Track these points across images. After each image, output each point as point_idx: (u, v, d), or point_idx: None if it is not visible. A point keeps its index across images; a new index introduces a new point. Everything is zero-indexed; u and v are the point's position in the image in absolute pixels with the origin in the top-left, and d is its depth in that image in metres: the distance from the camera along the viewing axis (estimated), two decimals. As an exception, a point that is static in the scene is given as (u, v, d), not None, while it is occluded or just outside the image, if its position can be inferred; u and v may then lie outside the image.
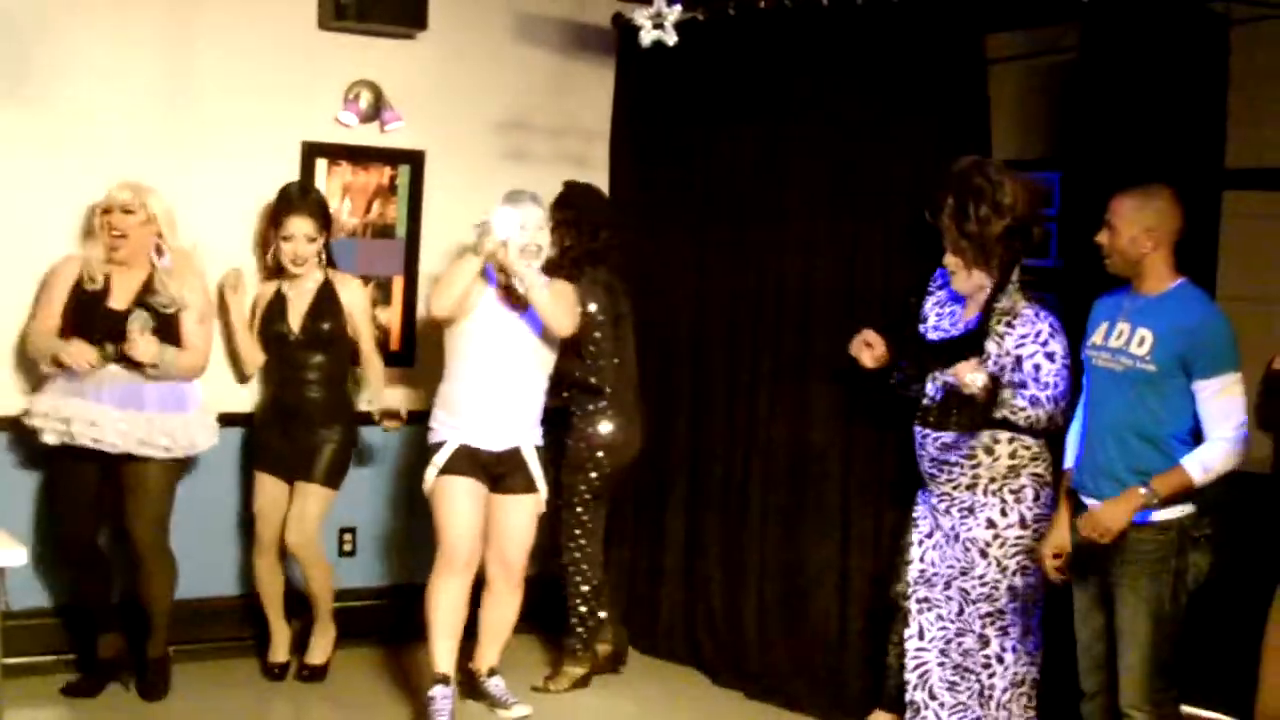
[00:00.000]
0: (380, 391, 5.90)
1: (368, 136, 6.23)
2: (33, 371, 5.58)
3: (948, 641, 5.07)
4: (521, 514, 5.48)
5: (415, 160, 6.34)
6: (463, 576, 5.39)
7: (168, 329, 5.44)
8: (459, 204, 6.14)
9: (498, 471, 5.42)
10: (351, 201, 6.22)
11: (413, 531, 6.26)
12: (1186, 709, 5.21)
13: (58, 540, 5.54)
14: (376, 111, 6.22)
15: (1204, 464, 4.37)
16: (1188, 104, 4.96)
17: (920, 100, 5.47)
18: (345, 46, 6.13)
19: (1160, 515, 4.42)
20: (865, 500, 5.65)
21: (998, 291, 4.94)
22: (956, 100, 5.42)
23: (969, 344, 4.92)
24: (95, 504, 5.49)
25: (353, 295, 5.86)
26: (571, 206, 5.94)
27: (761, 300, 5.97)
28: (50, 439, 5.36)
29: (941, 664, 5.07)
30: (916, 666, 5.11)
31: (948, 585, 5.06)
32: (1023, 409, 4.77)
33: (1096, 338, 4.59)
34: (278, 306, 5.82)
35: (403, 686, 5.88)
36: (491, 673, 5.64)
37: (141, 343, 5.33)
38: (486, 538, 5.47)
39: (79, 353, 5.27)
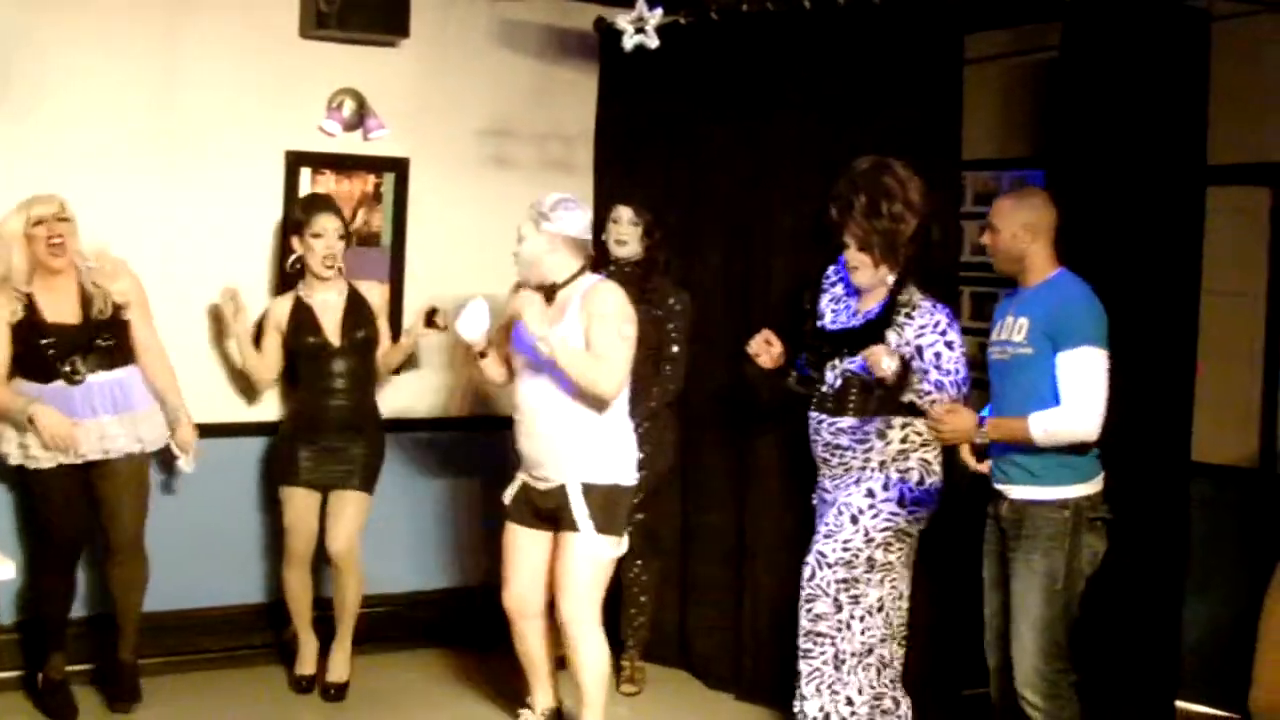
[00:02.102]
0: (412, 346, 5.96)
1: (351, 145, 6.23)
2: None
3: (799, 606, 5.14)
4: (565, 555, 5.01)
5: (399, 168, 6.33)
6: (528, 622, 5.22)
7: (117, 335, 5.40)
8: (444, 211, 6.13)
9: (549, 508, 5.07)
10: (336, 210, 6.20)
11: (415, 537, 6.33)
12: (1181, 704, 5.23)
13: (50, 549, 5.45)
14: (360, 119, 6.21)
15: (1046, 424, 4.48)
16: (1170, 100, 4.98)
17: (899, 100, 5.49)
18: (328, 55, 6.13)
19: (1058, 493, 4.55)
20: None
21: (900, 285, 5.07)
22: (932, 100, 5.43)
23: (870, 333, 5.03)
24: (86, 510, 5.46)
25: (376, 299, 5.89)
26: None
27: (750, 300, 5.98)
28: (48, 464, 5.31)
29: (799, 629, 5.15)
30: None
31: (809, 550, 5.15)
32: (929, 393, 4.88)
33: (994, 334, 4.77)
34: (305, 318, 5.79)
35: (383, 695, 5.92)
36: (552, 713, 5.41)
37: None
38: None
39: (59, 434, 5.23)
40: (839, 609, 5.07)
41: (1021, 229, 4.62)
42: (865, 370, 4.94)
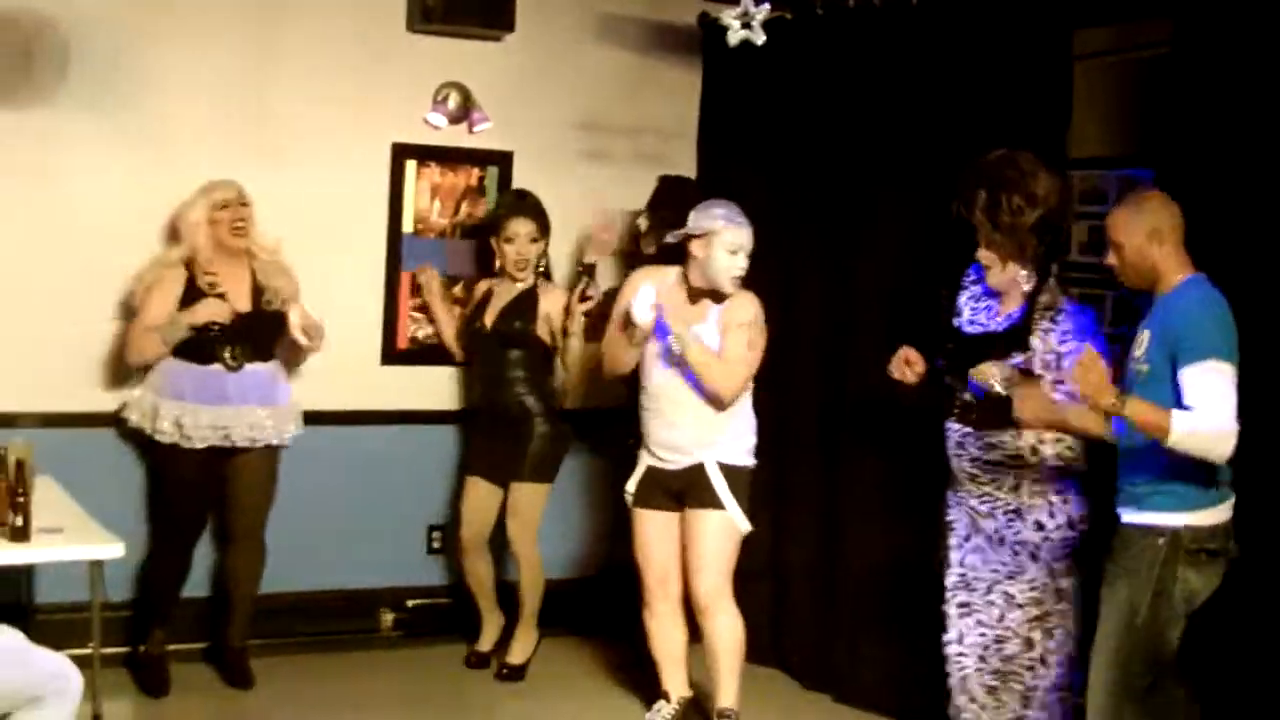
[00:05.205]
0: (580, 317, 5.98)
1: (456, 138, 6.28)
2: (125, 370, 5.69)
3: (986, 647, 4.99)
4: (699, 533, 5.26)
5: (503, 161, 6.37)
6: (664, 605, 5.42)
7: (276, 330, 5.55)
8: (546, 203, 6.15)
9: (678, 489, 5.31)
10: (440, 202, 6.27)
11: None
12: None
13: (173, 529, 5.58)
14: (465, 113, 6.26)
15: (1192, 425, 4.03)
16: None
17: (1007, 97, 5.41)
18: (433, 48, 6.19)
19: (1154, 519, 4.23)
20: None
21: (1040, 285, 4.87)
22: (1040, 97, 5.35)
23: (1012, 338, 4.85)
24: (207, 490, 5.57)
25: (552, 304, 5.93)
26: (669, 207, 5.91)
27: (853, 297, 5.92)
28: (200, 445, 5.42)
29: (980, 669, 5.00)
30: (957, 671, 5.05)
31: (989, 590, 4.98)
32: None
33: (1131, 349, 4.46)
34: (482, 303, 5.99)
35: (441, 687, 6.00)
36: (721, 715, 5.34)
37: None
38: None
39: (212, 306, 5.39)
40: (1030, 646, 4.91)
41: (1146, 238, 4.30)
42: (978, 391, 4.77)
